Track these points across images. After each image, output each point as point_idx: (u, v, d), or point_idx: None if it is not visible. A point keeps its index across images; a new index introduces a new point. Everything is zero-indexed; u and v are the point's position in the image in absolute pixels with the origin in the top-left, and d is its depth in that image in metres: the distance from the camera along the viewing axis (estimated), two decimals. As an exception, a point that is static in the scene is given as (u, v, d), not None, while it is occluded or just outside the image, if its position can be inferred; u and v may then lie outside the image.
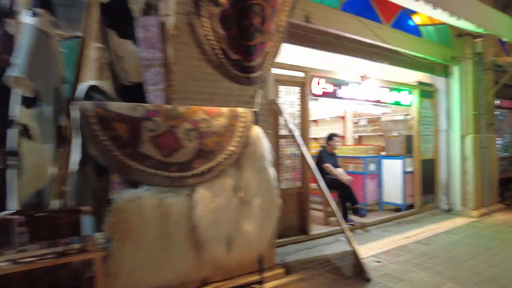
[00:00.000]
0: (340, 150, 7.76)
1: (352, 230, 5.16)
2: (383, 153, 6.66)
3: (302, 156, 3.42)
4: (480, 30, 5.55)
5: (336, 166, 5.67)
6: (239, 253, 2.74)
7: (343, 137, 8.82)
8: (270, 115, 3.60)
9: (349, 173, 6.46)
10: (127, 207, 2.19)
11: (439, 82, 6.61)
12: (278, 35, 3.22)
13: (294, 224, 4.55)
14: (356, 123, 8.50)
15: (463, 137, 6.32)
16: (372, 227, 5.39)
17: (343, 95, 5.20)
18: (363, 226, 5.30)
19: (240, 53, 3.20)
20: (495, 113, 8.52)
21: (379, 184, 6.47)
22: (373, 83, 5.46)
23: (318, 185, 3.30)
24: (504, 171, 7.87)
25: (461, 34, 6.23)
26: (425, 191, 6.41)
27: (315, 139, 9.65)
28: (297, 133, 3.48)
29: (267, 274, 3.26)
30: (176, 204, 2.37)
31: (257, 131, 2.83)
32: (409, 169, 6.26)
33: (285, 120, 3.43)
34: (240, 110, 2.86)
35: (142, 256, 2.20)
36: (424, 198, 6.38)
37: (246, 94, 3.33)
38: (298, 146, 3.41)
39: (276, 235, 4.17)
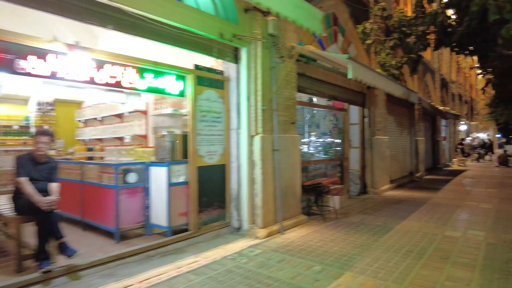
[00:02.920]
0: (135, 154, 5.96)
1: (49, 279, 3.31)
2: (153, 158, 5.04)
3: None
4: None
5: (48, 179, 3.76)
6: None
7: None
8: None
9: (96, 185, 4.65)
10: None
11: (231, 69, 5.28)
12: None
13: None
14: (157, 119, 6.78)
15: (251, 137, 5.08)
16: (94, 269, 3.62)
17: (34, 70, 3.30)
18: (72, 271, 3.48)
19: None
20: (313, 112, 7.81)
21: (147, 200, 4.81)
22: (88, 55, 3.64)
23: None
24: (319, 176, 7.10)
25: (248, 8, 4.97)
26: (209, 207, 4.99)
27: (119, 139, 7.71)
28: None
29: None
30: None
31: None
32: (182, 179, 4.74)
33: None
34: None
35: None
36: (206, 216, 4.95)
37: None
38: None
39: None
